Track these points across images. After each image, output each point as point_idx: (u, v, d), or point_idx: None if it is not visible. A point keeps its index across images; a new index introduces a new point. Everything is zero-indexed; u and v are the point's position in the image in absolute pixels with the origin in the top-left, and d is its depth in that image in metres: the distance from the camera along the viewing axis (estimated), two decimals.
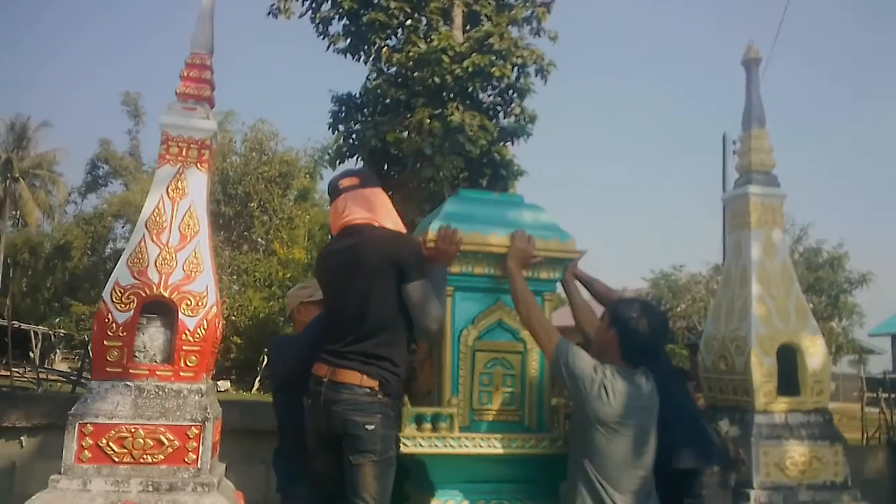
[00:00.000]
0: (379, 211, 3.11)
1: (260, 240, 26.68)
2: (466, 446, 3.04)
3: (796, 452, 3.63)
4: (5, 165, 35.63)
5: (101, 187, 34.83)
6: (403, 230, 3.15)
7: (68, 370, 18.35)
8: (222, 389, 22.00)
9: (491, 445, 3.06)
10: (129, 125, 34.31)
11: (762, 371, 3.68)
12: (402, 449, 2.97)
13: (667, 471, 3.14)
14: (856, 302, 23.30)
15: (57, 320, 28.46)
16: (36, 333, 19.94)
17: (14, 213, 35.90)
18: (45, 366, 19.73)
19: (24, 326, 19.43)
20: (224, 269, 24.37)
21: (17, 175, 35.30)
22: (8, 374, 13.67)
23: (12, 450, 4.39)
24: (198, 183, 3.36)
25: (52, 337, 25.67)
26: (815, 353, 3.80)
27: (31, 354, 18.02)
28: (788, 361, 3.79)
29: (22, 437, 4.40)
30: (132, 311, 3.12)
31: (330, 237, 3.20)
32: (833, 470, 3.69)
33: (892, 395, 11.35)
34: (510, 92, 9.63)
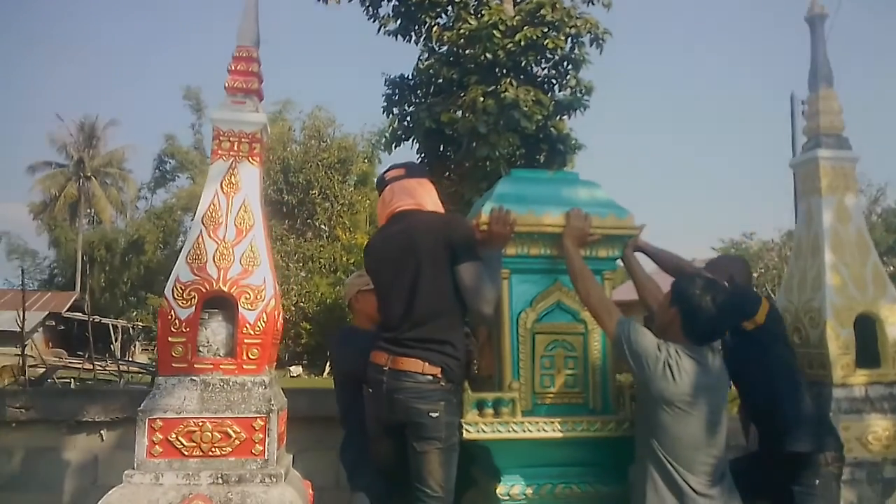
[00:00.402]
0: (425, 199, 3.10)
1: (323, 226, 27.08)
2: (529, 431, 3.00)
3: (879, 426, 3.46)
4: (77, 165, 37.04)
5: (169, 182, 35.97)
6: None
7: (148, 361, 19.05)
8: (294, 374, 22.56)
9: (555, 429, 3.01)
10: (192, 119, 35.11)
11: (839, 343, 3.52)
12: (465, 435, 2.95)
13: (774, 454, 3.07)
14: None
15: (134, 313, 29.59)
16: (115, 327, 20.79)
17: (89, 211, 37.32)
18: (126, 358, 20.54)
19: (103, 321, 20.21)
20: (290, 256, 24.88)
21: (89, 174, 36.64)
22: (91, 367, 14.24)
23: (94, 443, 4.55)
24: (251, 176, 3.38)
25: (131, 330, 26.72)
26: (895, 321, 3.60)
27: (112, 348, 18.74)
28: (867, 332, 3.61)
29: (102, 431, 4.55)
30: (194, 307, 3.16)
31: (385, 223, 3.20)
32: None
33: None
34: (565, 64, 9.44)
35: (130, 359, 21.98)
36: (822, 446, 3.06)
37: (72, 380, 13.35)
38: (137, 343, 28.89)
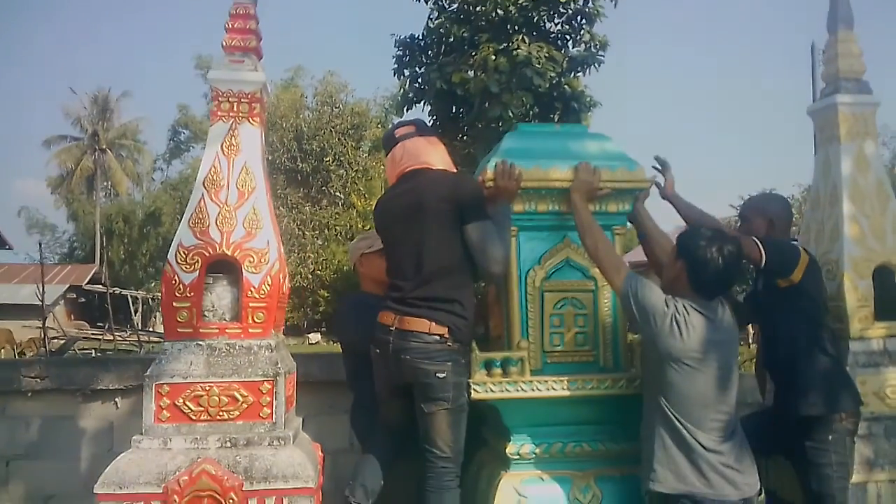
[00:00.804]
0: (435, 157, 3.05)
1: (338, 193, 27.06)
2: (539, 389, 2.96)
3: None
4: (92, 138, 37.17)
5: (184, 152, 36.08)
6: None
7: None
8: (314, 342, 22.73)
9: (564, 388, 2.97)
10: (204, 89, 34.95)
11: (857, 295, 3.42)
12: (473, 395, 2.92)
13: (789, 414, 3.03)
14: None
15: (154, 284, 29.88)
16: (135, 298, 21.00)
17: (105, 183, 37.54)
18: (146, 328, 20.77)
19: (123, 292, 20.43)
20: (306, 224, 24.93)
21: (104, 146, 36.77)
22: (112, 338, 14.41)
23: (109, 411, 4.57)
24: (251, 138, 3.32)
25: (151, 301, 26.99)
26: None
27: (133, 318, 18.96)
28: (887, 284, 3.52)
29: (117, 399, 4.57)
30: (198, 272, 3.13)
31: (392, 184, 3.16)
32: None
33: None
34: (578, 18, 9.26)
35: (151, 329, 22.24)
36: (837, 406, 3.00)
37: (93, 350, 13.52)
38: (157, 314, 29.20)
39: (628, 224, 3.26)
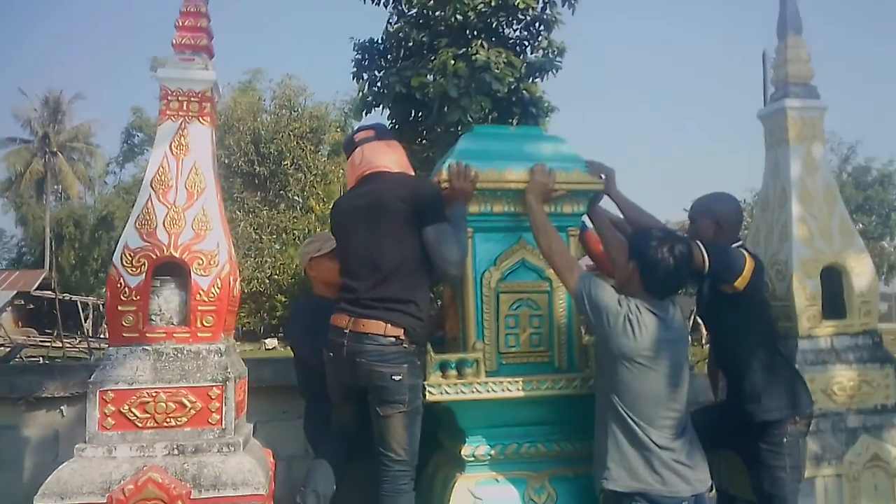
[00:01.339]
0: (394, 161, 3.03)
1: (296, 197, 26.81)
2: (494, 391, 2.95)
3: (844, 377, 3.45)
4: (43, 140, 36.27)
5: (138, 155, 35.36)
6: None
7: None
8: (270, 347, 22.45)
9: (519, 388, 2.97)
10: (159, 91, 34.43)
11: (805, 295, 3.48)
12: (428, 397, 2.90)
13: (743, 417, 3.03)
14: None
15: (104, 290, 29.25)
16: (86, 305, 20.49)
17: (56, 187, 36.65)
18: (97, 335, 20.30)
19: (73, 298, 19.93)
20: (263, 228, 24.64)
21: (55, 149, 35.90)
22: (60, 345, 14.04)
23: (54, 419, 4.43)
24: (201, 137, 3.25)
25: (102, 307, 26.35)
26: (861, 272, 3.57)
27: (83, 325, 18.51)
28: (834, 283, 3.59)
29: (62, 407, 4.43)
30: (144, 275, 3.05)
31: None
32: (884, 393, 3.50)
33: None
34: (536, 25, 9.34)
35: (102, 336, 21.72)
36: (793, 411, 3.02)
37: (41, 358, 13.16)
38: None
39: (588, 224, 3.28)
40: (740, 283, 3.00)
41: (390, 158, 3.03)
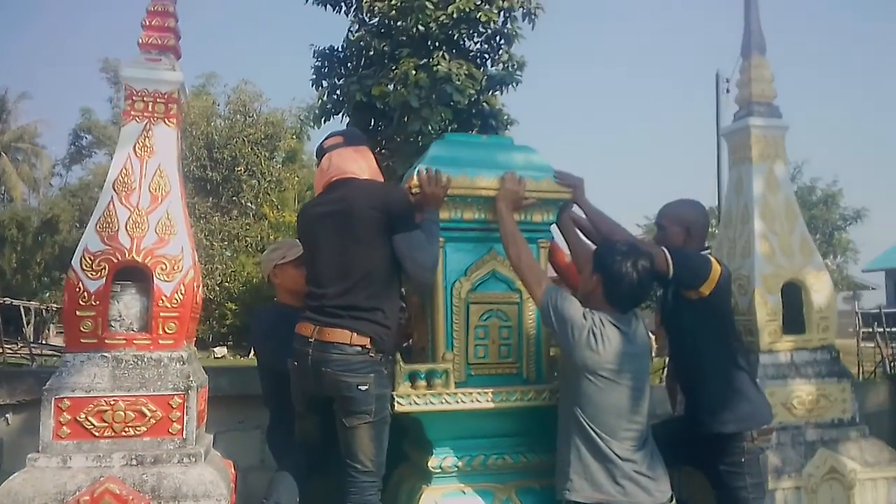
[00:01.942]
0: (363, 167, 2.98)
1: (249, 204, 26.37)
2: (463, 402, 2.93)
3: (803, 391, 3.53)
4: None
5: (86, 158, 34.43)
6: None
7: (63, 345, 18.28)
8: (219, 356, 22.03)
9: (489, 400, 2.95)
10: (109, 93, 33.57)
11: (767, 310, 3.56)
12: (397, 408, 2.86)
13: (700, 430, 3.01)
14: (850, 238, 23.41)
15: (48, 295, 28.33)
16: (28, 309, 19.80)
17: None
18: (39, 341, 19.66)
19: (14, 302, 19.26)
20: (215, 235, 24.21)
21: None
22: (1, 350, 13.55)
23: None
24: (167, 139, 3.18)
25: (45, 312, 25.57)
26: (820, 289, 3.67)
27: (24, 330, 17.90)
28: (793, 299, 3.67)
29: (7, 415, 4.26)
30: (104, 279, 2.96)
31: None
32: (841, 407, 3.60)
33: (888, 330, 11.37)
34: (497, 38, 9.38)
35: (44, 342, 21.03)
36: (748, 425, 2.99)
37: None
38: (52, 325, 27.71)
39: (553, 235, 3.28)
40: (706, 288, 2.99)
41: (359, 165, 2.98)
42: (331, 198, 2.92)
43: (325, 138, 3.12)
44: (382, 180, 3.09)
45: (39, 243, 30.82)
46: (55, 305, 27.04)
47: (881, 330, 11.32)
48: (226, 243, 24.77)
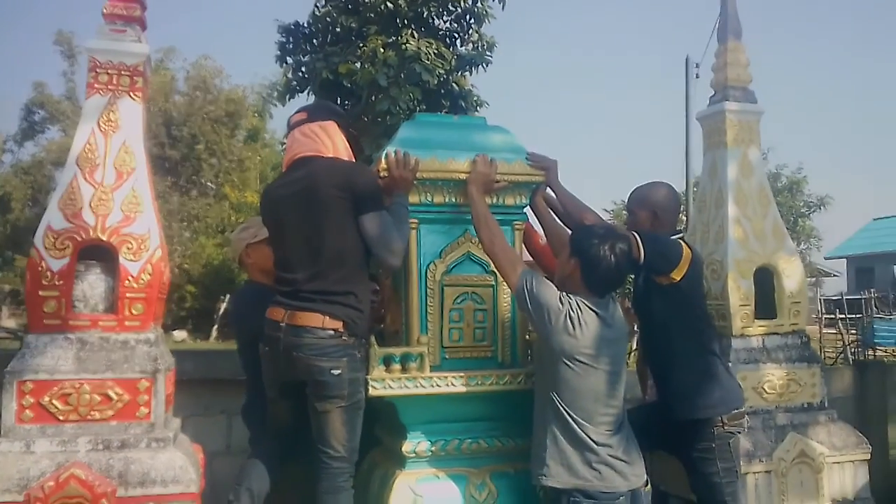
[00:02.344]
0: (327, 143, 2.87)
1: (210, 184, 25.94)
2: (438, 386, 2.89)
3: (774, 376, 3.58)
4: None
5: (39, 134, 33.24)
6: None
7: (16, 327, 17.85)
8: (179, 339, 21.72)
9: (464, 384, 2.92)
10: (63, 67, 32.54)
11: (739, 295, 3.59)
12: (371, 392, 2.81)
13: (670, 416, 3.01)
14: (813, 226, 23.93)
15: (0, 275, 27.60)
16: None
17: None
18: None
19: None
20: (174, 215, 23.75)
21: None
22: None
23: None
24: (132, 114, 3.07)
25: None
26: (791, 274, 3.71)
27: None
28: (765, 284, 3.70)
29: None
30: (68, 258, 2.86)
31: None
32: (810, 392, 3.66)
33: (849, 317, 11.67)
34: (467, 17, 9.31)
35: None
36: (719, 411, 2.99)
37: None
38: (4, 307, 27.02)
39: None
40: (676, 273, 2.96)
41: (323, 142, 2.87)
42: (293, 178, 2.82)
43: (292, 115, 3.01)
44: (351, 157, 2.97)
45: None
46: (7, 286, 26.40)
47: (843, 317, 11.60)
48: (185, 224, 24.33)
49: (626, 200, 3.34)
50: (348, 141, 2.97)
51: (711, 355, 3.10)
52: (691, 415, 2.98)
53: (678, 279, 2.97)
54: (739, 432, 3.10)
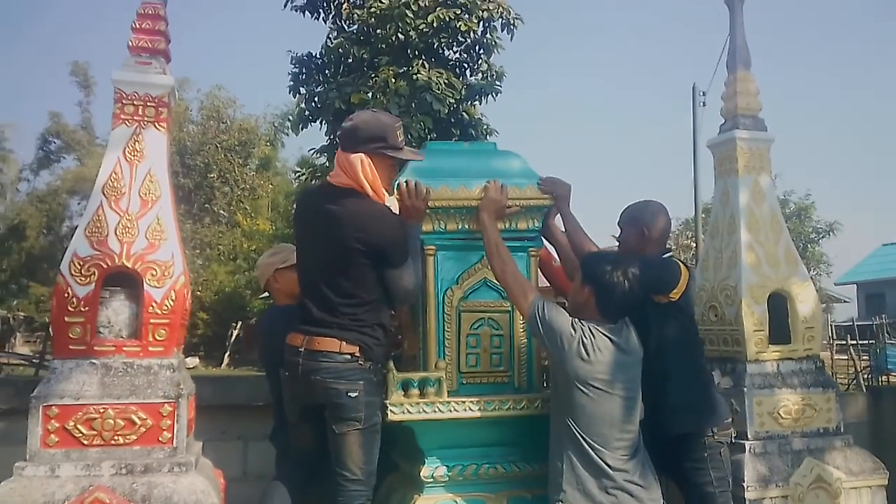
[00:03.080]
0: (357, 178, 2.81)
1: (222, 212, 26.15)
2: (456, 410, 2.92)
3: (789, 401, 3.58)
4: None
5: (54, 163, 33.70)
6: (383, 199, 2.88)
7: (30, 353, 17.93)
8: (191, 366, 21.67)
9: (481, 409, 2.95)
10: (79, 97, 32.99)
11: (753, 320, 3.60)
12: (390, 416, 2.84)
13: (662, 436, 3.02)
14: (822, 252, 23.89)
15: (15, 303, 27.77)
16: None
17: None
18: (6, 350, 19.28)
19: None
20: (187, 243, 23.85)
21: None
22: None
23: None
24: (157, 144, 3.15)
25: (11, 320, 25.11)
26: (805, 299, 3.73)
27: None
28: (779, 309, 3.72)
29: None
30: (93, 284, 2.92)
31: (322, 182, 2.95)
32: (826, 416, 3.65)
33: (860, 342, 11.58)
34: (476, 48, 9.46)
35: (10, 350, 20.62)
36: (706, 423, 3.04)
37: None
38: (19, 334, 27.14)
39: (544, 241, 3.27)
40: (676, 293, 3.02)
41: (352, 177, 2.81)
42: (327, 206, 2.81)
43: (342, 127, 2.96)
44: (380, 194, 2.87)
45: (6, 250, 30.18)
46: (22, 314, 26.55)
47: (854, 342, 11.52)
48: (198, 251, 24.50)
49: (619, 218, 3.35)
50: (383, 165, 2.87)
51: (702, 370, 3.18)
52: (685, 429, 3.01)
53: (677, 298, 3.03)
54: (728, 442, 3.13)
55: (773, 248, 3.73)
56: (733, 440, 3.19)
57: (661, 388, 3.03)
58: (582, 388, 2.65)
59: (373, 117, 2.90)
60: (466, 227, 3.10)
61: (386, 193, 2.91)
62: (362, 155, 2.81)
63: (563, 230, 3.27)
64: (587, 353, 2.64)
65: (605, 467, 2.63)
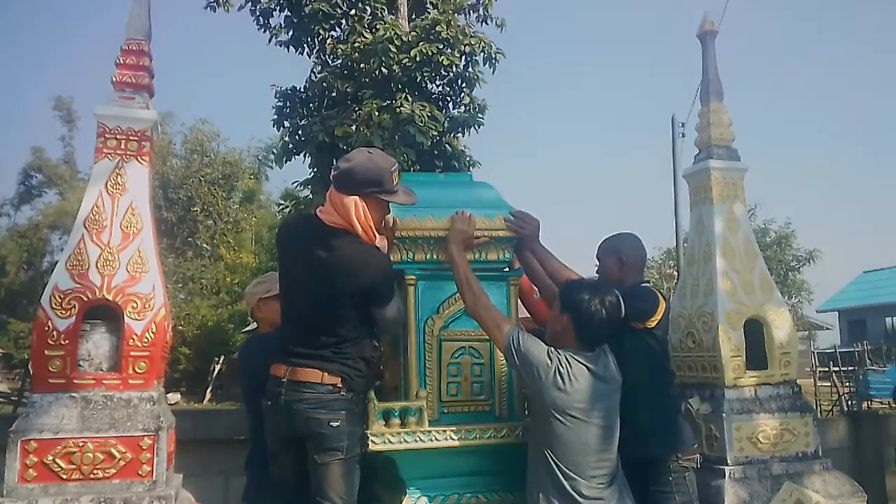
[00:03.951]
0: (350, 220, 2.79)
1: (205, 245, 26.10)
2: (437, 440, 2.93)
3: (768, 426, 3.61)
4: None
5: (36, 198, 33.56)
6: (374, 240, 2.86)
7: (8, 391, 17.68)
8: (172, 402, 21.41)
9: (462, 438, 2.95)
10: (62, 131, 32.96)
11: (730, 346, 3.65)
12: (371, 447, 2.84)
13: (628, 459, 2.99)
14: (803, 279, 24.15)
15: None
16: None
17: None
18: None
19: None
20: (169, 277, 23.75)
21: None
22: None
23: None
24: (139, 177, 3.17)
25: None
26: (780, 325, 3.78)
27: None
28: (755, 335, 3.77)
29: None
30: (74, 317, 2.92)
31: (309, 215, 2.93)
32: (804, 441, 3.69)
33: (843, 369, 11.70)
34: (459, 81, 9.58)
35: None
36: (672, 448, 3.08)
37: None
38: None
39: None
40: (653, 321, 3.09)
41: (343, 214, 2.78)
42: (319, 248, 2.77)
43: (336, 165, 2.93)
44: (371, 235, 2.84)
45: None
46: (1, 351, 26.18)
47: (836, 369, 11.64)
48: (180, 285, 24.37)
49: (597, 250, 3.42)
50: (377, 207, 2.85)
51: (671, 396, 3.24)
52: (652, 453, 3.05)
53: (653, 326, 3.10)
54: (693, 468, 3.15)
55: (748, 275, 3.80)
56: (699, 465, 3.19)
57: (632, 412, 3.03)
58: (559, 417, 2.64)
59: (370, 161, 2.84)
60: (434, 256, 3.10)
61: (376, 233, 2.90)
62: (357, 198, 2.77)
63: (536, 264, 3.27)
64: (563, 383, 2.64)
65: (577, 497, 2.63)
